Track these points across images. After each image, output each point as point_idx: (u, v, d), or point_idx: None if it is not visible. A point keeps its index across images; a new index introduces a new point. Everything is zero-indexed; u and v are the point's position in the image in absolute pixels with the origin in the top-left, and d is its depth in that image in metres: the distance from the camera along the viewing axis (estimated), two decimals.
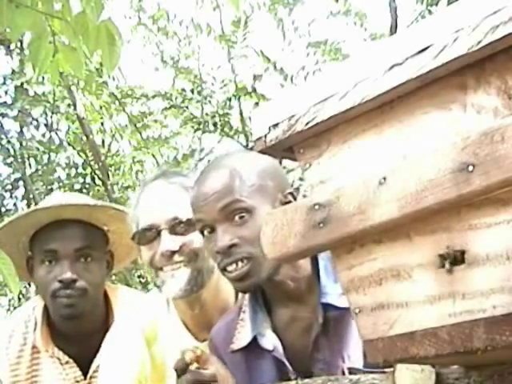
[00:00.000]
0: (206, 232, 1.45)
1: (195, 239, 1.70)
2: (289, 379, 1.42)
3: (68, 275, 1.98)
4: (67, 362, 2.06)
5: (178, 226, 1.71)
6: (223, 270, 1.43)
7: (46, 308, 2.08)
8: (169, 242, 1.70)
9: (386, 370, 0.98)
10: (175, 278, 1.70)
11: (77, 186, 5.74)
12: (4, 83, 5.58)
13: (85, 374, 2.05)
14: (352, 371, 1.38)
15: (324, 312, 1.41)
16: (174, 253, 1.70)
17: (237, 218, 1.40)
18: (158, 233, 1.72)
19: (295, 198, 1.46)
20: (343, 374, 1.38)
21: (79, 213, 2.02)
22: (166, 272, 1.71)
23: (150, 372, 1.77)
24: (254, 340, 1.46)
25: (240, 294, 1.71)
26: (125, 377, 1.77)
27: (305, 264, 1.45)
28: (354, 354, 1.39)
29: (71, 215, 2.02)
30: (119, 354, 1.81)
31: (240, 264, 1.39)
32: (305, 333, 1.45)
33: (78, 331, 2.04)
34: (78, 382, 2.06)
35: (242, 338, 1.49)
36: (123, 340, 1.83)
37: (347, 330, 1.39)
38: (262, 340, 1.46)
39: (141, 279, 5.29)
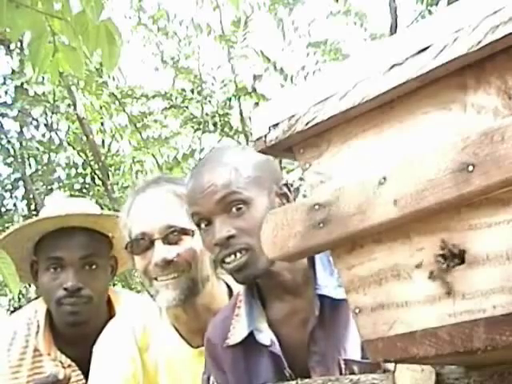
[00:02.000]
0: (202, 225, 1.45)
1: (189, 248, 1.69)
2: (284, 375, 1.42)
3: (73, 283, 1.98)
4: (69, 366, 2.06)
5: (171, 235, 1.69)
6: (221, 261, 1.43)
7: (48, 311, 2.09)
8: (162, 251, 1.68)
9: (382, 362, 0.98)
10: (169, 288, 1.69)
11: (77, 186, 5.74)
12: (4, 83, 5.58)
13: (87, 377, 2.05)
14: (348, 363, 1.38)
15: (320, 304, 1.42)
16: (168, 263, 1.69)
17: (234, 209, 1.41)
18: (152, 242, 1.71)
19: (290, 190, 1.47)
20: (339, 366, 1.39)
21: (85, 221, 2.03)
22: (161, 282, 1.70)
23: (142, 379, 1.77)
24: (251, 335, 1.47)
25: (234, 293, 1.71)
26: (114, 375, 1.76)
27: None
28: (350, 346, 1.39)
29: (77, 223, 2.02)
30: (109, 351, 1.81)
31: (238, 255, 1.40)
32: (301, 325, 1.46)
33: (82, 336, 2.04)
34: None
35: (238, 334, 1.49)
36: (113, 338, 1.83)
37: (344, 322, 1.40)
38: (259, 335, 1.46)
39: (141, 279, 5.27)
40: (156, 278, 1.71)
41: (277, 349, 1.45)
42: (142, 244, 1.72)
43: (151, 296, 1.79)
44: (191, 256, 1.70)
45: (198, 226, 1.47)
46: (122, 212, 1.82)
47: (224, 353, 1.51)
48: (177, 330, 1.80)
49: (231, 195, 1.41)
